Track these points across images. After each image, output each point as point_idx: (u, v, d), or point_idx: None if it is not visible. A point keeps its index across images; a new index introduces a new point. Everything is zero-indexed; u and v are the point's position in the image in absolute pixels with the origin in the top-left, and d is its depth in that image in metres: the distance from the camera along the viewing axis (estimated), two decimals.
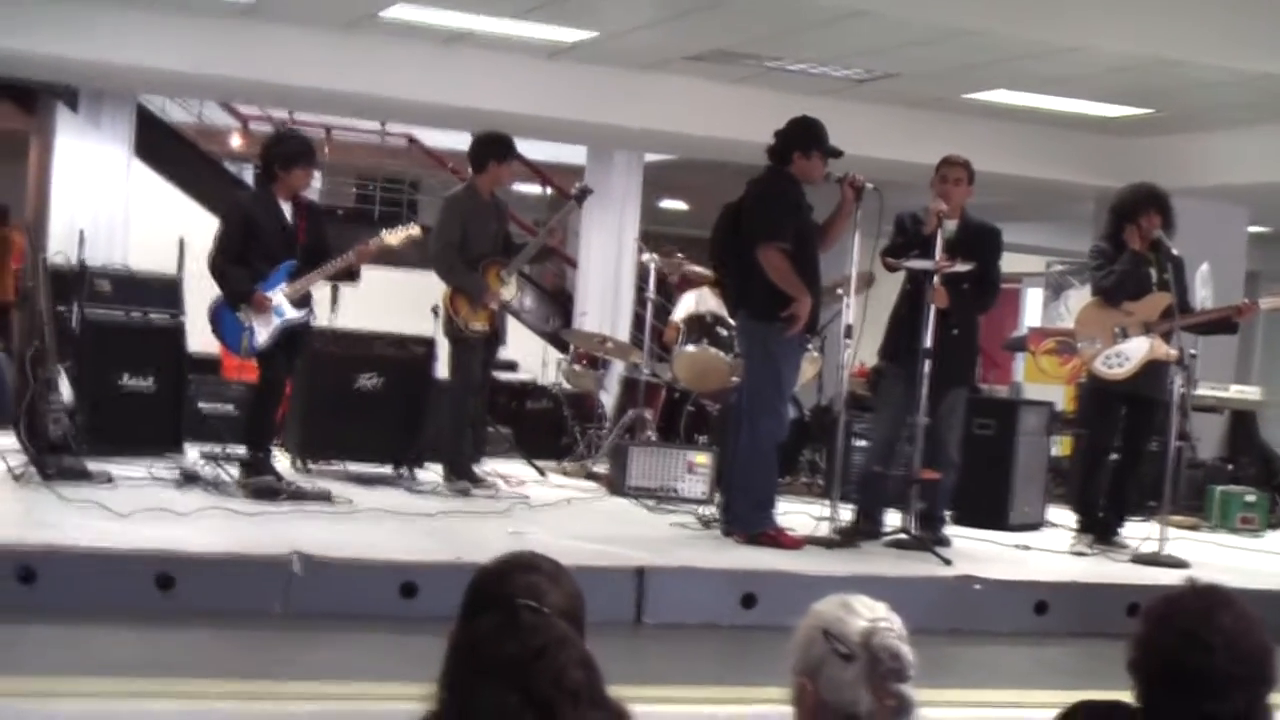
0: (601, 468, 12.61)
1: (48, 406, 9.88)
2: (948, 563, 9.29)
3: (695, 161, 19.76)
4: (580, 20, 13.25)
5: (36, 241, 10.96)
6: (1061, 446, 14.30)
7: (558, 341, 17.05)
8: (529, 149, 18.06)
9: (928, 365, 9.68)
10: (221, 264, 10.00)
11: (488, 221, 11.13)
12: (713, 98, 15.33)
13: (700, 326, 12.39)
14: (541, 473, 12.61)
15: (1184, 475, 13.15)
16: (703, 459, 11.68)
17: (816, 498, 11.32)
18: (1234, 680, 3.19)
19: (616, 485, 11.68)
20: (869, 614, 3.22)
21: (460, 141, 19.39)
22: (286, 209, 10.17)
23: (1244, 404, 15.18)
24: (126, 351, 11.53)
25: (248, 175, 20.24)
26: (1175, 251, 10.36)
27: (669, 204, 26.87)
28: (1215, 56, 12.72)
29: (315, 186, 19.29)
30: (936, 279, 9.77)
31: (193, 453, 11.13)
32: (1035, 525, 11.68)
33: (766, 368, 9.57)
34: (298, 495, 9.81)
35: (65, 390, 10.05)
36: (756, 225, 9.47)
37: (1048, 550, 10.56)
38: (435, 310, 11.15)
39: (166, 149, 19.30)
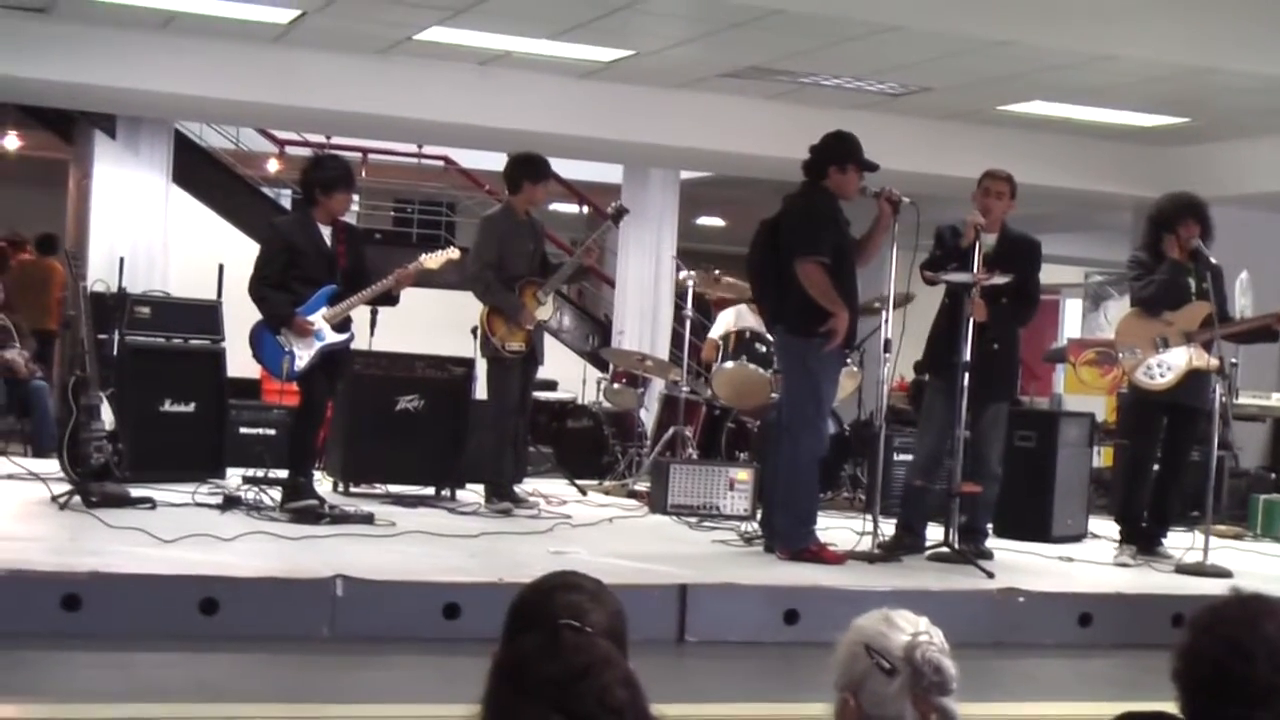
0: (643, 486, 12.61)
1: (90, 434, 9.93)
2: (990, 576, 9.26)
3: (731, 178, 19.77)
4: (615, 40, 13.27)
5: (77, 269, 10.99)
6: (1103, 458, 14.26)
7: (597, 360, 17.07)
8: (565, 168, 18.10)
9: (967, 379, 9.67)
10: (261, 288, 10.03)
11: (524, 241, 11.15)
12: (748, 114, 15.33)
13: (739, 343, 12.39)
14: (583, 491, 12.61)
15: (1227, 484, 13.12)
16: (744, 476, 11.67)
17: (858, 512, 11.28)
18: (1278, 689, 3.17)
19: (658, 503, 11.68)
20: (911, 628, 3.22)
21: (497, 162, 19.43)
22: (326, 233, 10.21)
23: None
24: (167, 377, 11.59)
25: (285, 200, 20.35)
26: (1214, 260, 10.32)
27: (706, 221, 26.89)
28: (1251, 63, 12.67)
29: (353, 209, 19.43)
30: (975, 292, 9.75)
31: (234, 477, 11.19)
32: (1078, 537, 11.64)
33: (806, 383, 9.56)
34: (340, 518, 9.83)
35: (107, 417, 10.10)
36: (794, 240, 9.46)
37: (1091, 562, 10.52)
38: (474, 331, 11.17)
39: (204, 175, 19.40)
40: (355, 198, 19.41)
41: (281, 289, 10.04)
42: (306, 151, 18.89)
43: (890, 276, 9.68)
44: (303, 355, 10.05)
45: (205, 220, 18.93)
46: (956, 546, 9.78)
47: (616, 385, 14.08)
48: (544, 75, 14.64)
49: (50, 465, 10.73)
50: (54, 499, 9.77)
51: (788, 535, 9.56)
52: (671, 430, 13.02)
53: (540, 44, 13.48)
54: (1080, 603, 9.11)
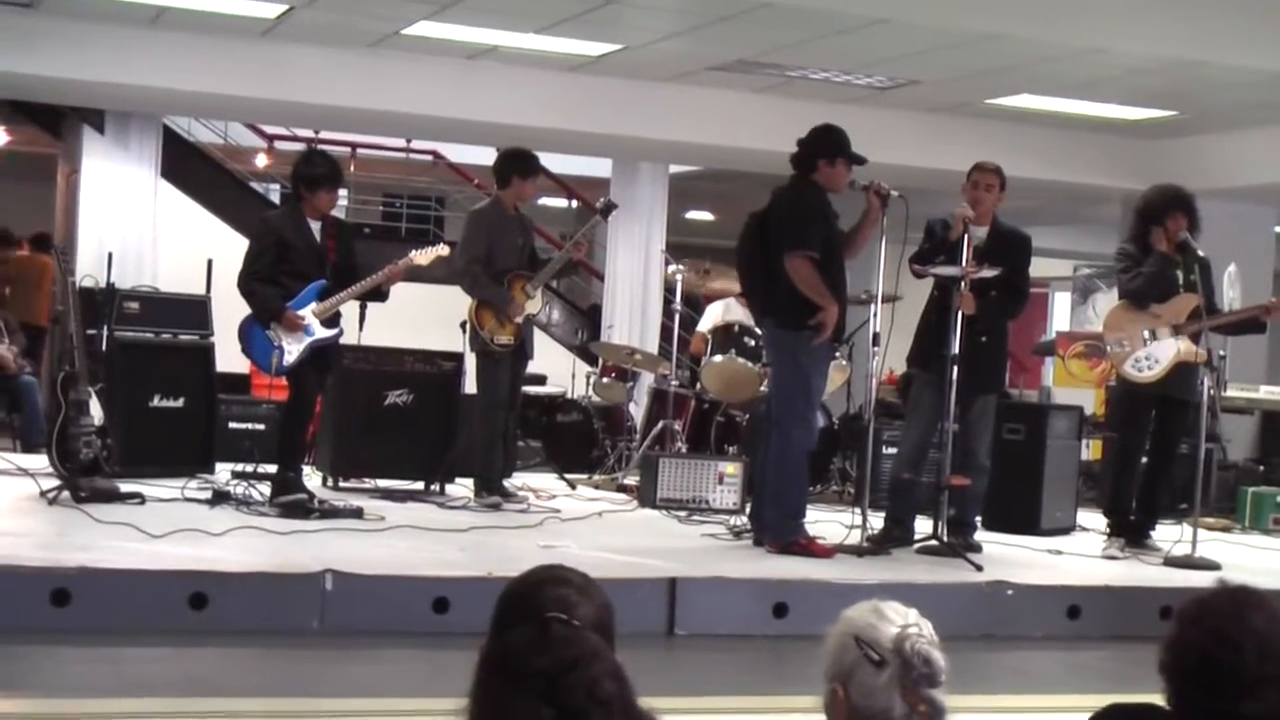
0: (632, 480, 12.61)
1: (79, 429, 9.92)
2: (979, 568, 9.29)
3: (720, 172, 19.78)
4: (603, 34, 13.27)
5: (66, 265, 10.99)
6: (1092, 450, 14.28)
7: (587, 354, 17.07)
8: (554, 162, 18.10)
9: (956, 371, 9.68)
10: (251, 283, 10.03)
11: (513, 236, 11.16)
12: (737, 108, 15.34)
13: (728, 337, 12.40)
14: (572, 485, 12.62)
15: (1215, 477, 13.14)
16: (733, 469, 11.68)
17: (847, 506, 11.30)
18: (1266, 681, 3.18)
19: (647, 497, 11.68)
20: (900, 620, 3.23)
21: (486, 156, 19.45)
22: (315, 227, 10.21)
23: (1275, 405, 15.13)
24: (156, 372, 11.59)
25: (274, 195, 20.33)
26: (1201, 253, 10.34)
27: (695, 215, 26.89)
28: (1239, 57, 12.69)
29: (342, 204, 19.43)
30: (964, 285, 9.77)
31: (224, 471, 11.18)
32: (1066, 530, 11.66)
33: (795, 377, 9.57)
34: (329, 512, 9.83)
35: (96, 412, 10.09)
36: (783, 234, 9.46)
37: (1079, 554, 10.54)
38: (463, 325, 11.18)
39: (193, 170, 19.36)
40: (344, 192, 19.42)
41: (271, 284, 10.05)
42: (295, 146, 18.86)
43: (879, 270, 9.69)
44: (292, 350, 10.06)
45: (194, 215, 18.89)
46: (945, 539, 9.80)
47: (606, 379, 14.07)
48: (532, 69, 14.64)
49: (39, 460, 10.72)
50: (43, 494, 9.76)
51: (777, 528, 9.57)
52: (661, 424, 13.03)
53: (528, 38, 13.48)
54: (1069, 595, 9.13)
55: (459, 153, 21.25)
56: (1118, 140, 16.53)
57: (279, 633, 7.54)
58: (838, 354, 11.59)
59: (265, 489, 10.20)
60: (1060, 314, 27.23)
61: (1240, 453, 15.23)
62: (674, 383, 13.18)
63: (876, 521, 10.09)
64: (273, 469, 10.35)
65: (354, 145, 20.40)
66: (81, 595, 7.34)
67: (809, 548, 9.42)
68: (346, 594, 7.72)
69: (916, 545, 9.97)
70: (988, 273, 9.78)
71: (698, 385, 13.07)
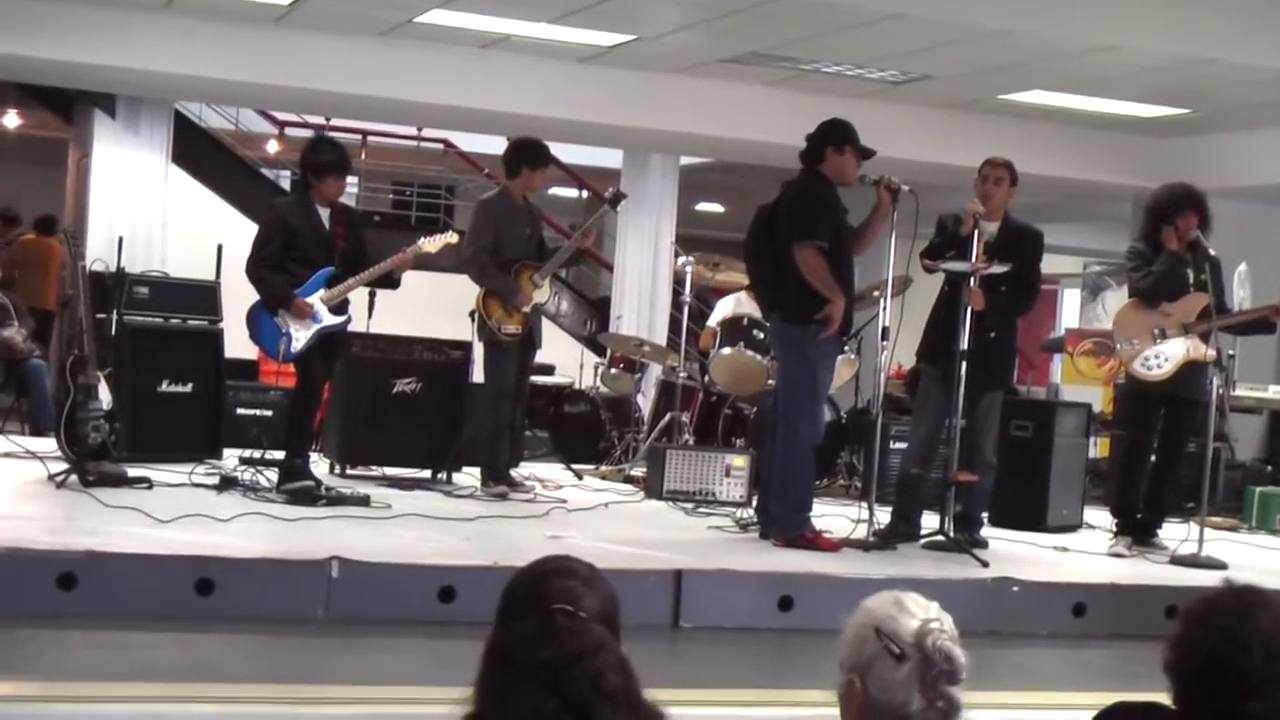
0: (639, 471, 12.61)
1: (87, 413, 9.93)
2: (985, 565, 9.27)
3: (731, 164, 19.78)
4: (616, 24, 13.27)
5: (76, 249, 10.99)
6: (1099, 448, 14.27)
7: (595, 345, 17.07)
8: (565, 153, 18.10)
9: (964, 367, 9.67)
10: (259, 269, 10.03)
11: (521, 225, 11.15)
12: (748, 100, 15.34)
13: (737, 329, 12.39)
14: (579, 476, 12.61)
15: (1223, 476, 13.11)
16: (740, 462, 11.68)
17: (854, 500, 11.30)
18: (1273, 680, 3.18)
19: (654, 488, 11.68)
20: (922, 613, 3.20)
21: (496, 146, 19.44)
22: (324, 215, 10.21)
23: None
24: (165, 357, 11.59)
25: (284, 181, 20.35)
26: (1212, 252, 10.31)
27: (705, 207, 26.89)
28: (1251, 55, 12.68)
29: (352, 192, 19.43)
30: (973, 280, 9.75)
31: (231, 457, 11.19)
32: (1073, 527, 11.65)
33: (802, 370, 9.56)
34: (336, 500, 9.83)
35: (104, 396, 10.10)
36: (793, 225, 9.45)
37: (1086, 552, 10.53)
38: (471, 315, 11.17)
39: (204, 155, 19.40)
40: (354, 180, 19.43)
41: (279, 270, 10.05)
42: (306, 133, 18.86)
43: (889, 264, 9.68)
44: (300, 337, 10.06)
45: (204, 201, 18.93)
46: (951, 535, 9.79)
47: (614, 370, 14.08)
48: (544, 59, 14.64)
49: (48, 444, 10.73)
50: (51, 478, 9.76)
51: (783, 522, 9.57)
52: (668, 416, 13.03)
53: (541, 28, 13.48)
54: (1075, 593, 9.12)
55: (470, 142, 21.28)
56: (1130, 138, 16.51)
57: (284, 619, 7.53)
58: (846, 348, 11.58)
59: (272, 475, 10.20)
60: (1069, 311, 27.18)
61: (1248, 452, 15.22)
62: (682, 375, 13.17)
63: (883, 516, 10.08)
64: (280, 455, 10.35)
65: (365, 133, 20.43)
66: (88, 579, 7.34)
67: (815, 542, 9.42)
68: (352, 582, 7.72)
69: (922, 540, 9.96)
70: (997, 269, 9.77)
71: (706, 378, 13.06)
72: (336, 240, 10.20)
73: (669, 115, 15.55)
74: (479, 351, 11.38)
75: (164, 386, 11.49)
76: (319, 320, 10.10)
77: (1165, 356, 10.28)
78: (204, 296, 12.04)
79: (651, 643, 7.29)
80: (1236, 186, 15.43)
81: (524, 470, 11.83)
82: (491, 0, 12.57)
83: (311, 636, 7.46)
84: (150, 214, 17.68)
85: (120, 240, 15.86)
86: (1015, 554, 10.10)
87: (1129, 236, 12.08)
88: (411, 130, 20.78)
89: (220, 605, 7.48)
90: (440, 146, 21.67)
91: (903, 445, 11.29)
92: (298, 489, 9.87)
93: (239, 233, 13.49)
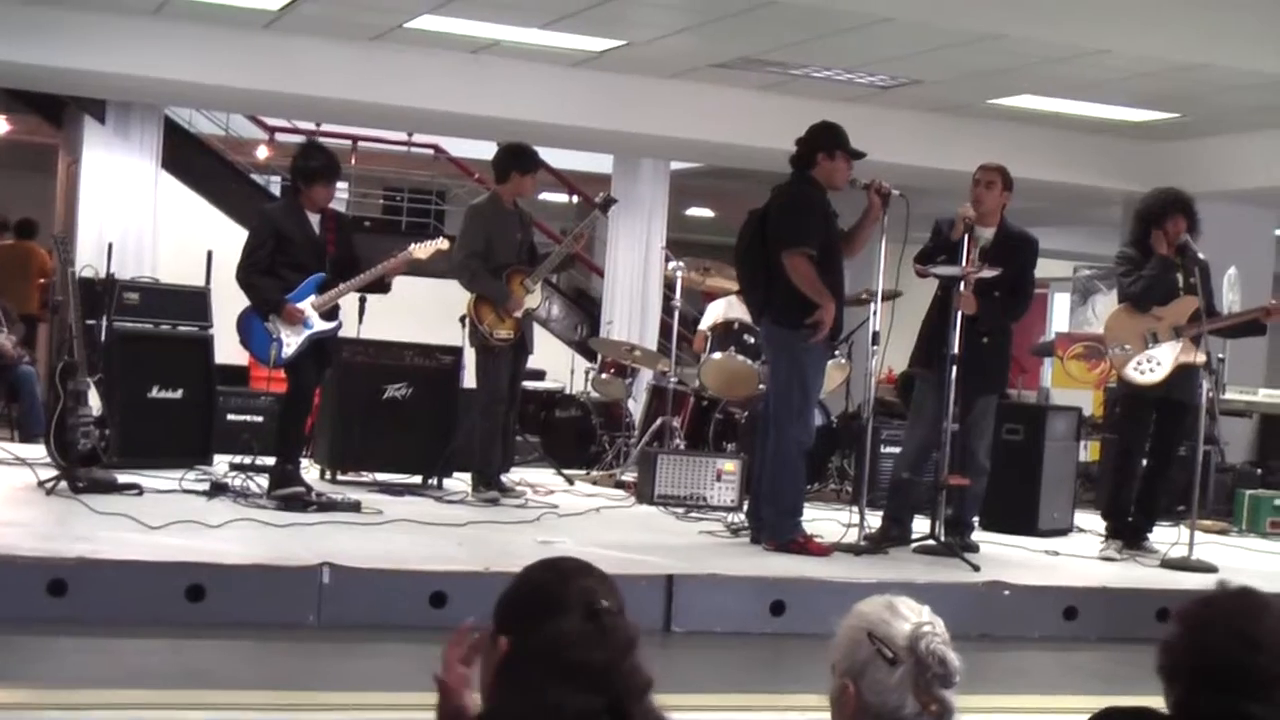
0: (630, 476, 12.61)
1: (77, 419, 9.92)
2: (976, 569, 9.29)
3: (721, 169, 19.78)
4: (606, 29, 13.28)
5: (66, 255, 10.98)
6: (1090, 452, 14.28)
7: (586, 350, 17.07)
8: (556, 158, 18.10)
9: (957, 371, 9.67)
10: (250, 275, 10.03)
11: (511, 231, 11.14)
12: (739, 105, 15.35)
13: (728, 334, 12.39)
14: (570, 481, 12.61)
15: (1213, 479, 13.14)
16: (730, 467, 11.67)
17: (845, 504, 11.30)
18: (1278, 681, 3.17)
19: (645, 493, 11.68)
20: (915, 617, 3.21)
21: (487, 151, 19.38)
22: (315, 220, 10.21)
23: (1273, 408, 15.15)
24: (155, 363, 11.58)
25: (275, 187, 20.33)
26: (1201, 255, 10.33)
27: (695, 212, 26.89)
28: (1241, 60, 12.69)
29: (343, 197, 19.42)
30: (964, 285, 9.76)
31: (222, 463, 11.18)
32: (1064, 531, 11.66)
33: (792, 375, 9.56)
34: (327, 506, 9.83)
35: (95, 402, 10.09)
36: (782, 231, 9.46)
37: (1076, 556, 10.54)
38: (462, 320, 11.17)
39: (194, 161, 19.37)
40: (344, 185, 19.42)
41: (270, 276, 10.05)
42: (296, 138, 18.83)
43: (879, 269, 9.69)
44: (291, 342, 10.06)
45: (194, 206, 18.90)
46: (942, 539, 9.80)
47: (605, 375, 14.08)
48: (535, 64, 14.64)
49: (37, 450, 10.72)
50: (41, 484, 9.76)
51: (774, 527, 9.57)
52: (659, 421, 13.03)
53: (531, 33, 13.48)
54: (1066, 596, 9.13)
55: (460, 147, 21.26)
56: (1119, 142, 16.53)
57: (276, 626, 7.54)
58: (837, 352, 11.58)
59: (263, 481, 10.19)
60: (1060, 315, 27.19)
61: (1238, 455, 15.23)
62: (673, 379, 13.17)
63: (874, 520, 10.09)
64: (271, 461, 10.34)
65: (355, 138, 20.42)
66: (79, 586, 7.34)
67: (806, 546, 9.43)
68: (344, 587, 7.72)
69: (914, 545, 9.97)
70: (988, 273, 9.77)
71: (697, 382, 13.05)
72: (327, 245, 10.20)
73: (659, 120, 15.55)
74: (470, 357, 11.37)
75: (154, 392, 11.48)
76: (310, 326, 10.10)
77: (1158, 360, 10.29)
78: (194, 302, 12.02)
79: (644, 647, 7.28)
80: (1225, 190, 15.45)
81: (515, 475, 11.82)
82: (482, 5, 12.56)
83: (303, 642, 7.47)
84: (140, 220, 17.66)
85: (110, 246, 15.83)
86: (1006, 558, 10.11)
87: (1119, 240, 12.09)
88: (402, 135, 20.77)
89: (211, 611, 7.48)
90: (431, 152, 21.65)
91: (894, 449, 11.32)
92: (289, 495, 9.86)
93: (229, 238, 13.48)
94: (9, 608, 7.21)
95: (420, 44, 14.14)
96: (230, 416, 12.45)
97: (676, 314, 13.69)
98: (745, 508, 10.64)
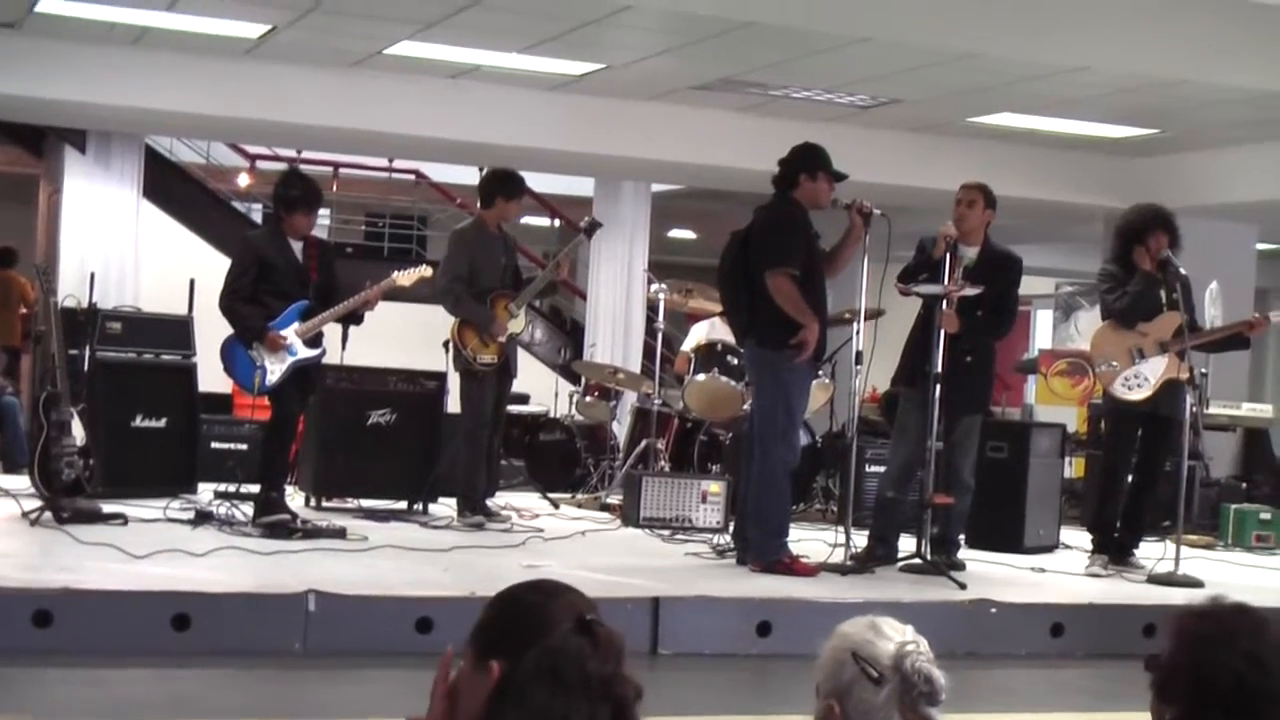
0: (615, 499, 12.61)
1: (61, 450, 9.90)
2: (963, 587, 9.29)
3: (703, 190, 19.80)
4: (586, 53, 13.29)
5: (48, 285, 10.97)
6: (1075, 468, 14.29)
7: (569, 373, 17.07)
8: (537, 181, 18.10)
9: (940, 390, 9.68)
10: (233, 302, 10.02)
11: (496, 255, 11.15)
12: (719, 127, 15.36)
13: (711, 355, 12.39)
14: (555, 505, 12.61)
15: (1198, 494, 13.16)
16: (716, 488, 11.67)
17: (830, 524, 11.30)
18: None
19: (630, 516, 11.67)
20: (898, 636, 3.20)
21: (468, 176, 19.45)
22: (298, 247, 10.21)
23: (1257, 422, 15.18)
24: (139, 392, 11.57)
25: (256, 214, 20.32)
26: (1183, 270, 10.35)
27: (677, 233, 26.91)
28: (1220, 75, 12.71)
29: (325, 224, 19.41)
30: (946, 304, 9.77)
31: (206, 492, 11.16)
32: (1050, 547, 11.66)
33: (777, 395, 9.57)
34: (312, 533, 9.82)
35: (78, 432, 10.07)
36: (765, 251, 9.47)
37: (1063, 572, 10.54)
38: (446, 345, 11.16)
39: (175, 189, 19.34)
40: (326, 212, 19.40)
41: (253, 303, 10.04)
42: (278, 165, 18.84)
43: (861, 288, 9.70)
44: (274, 370, 10.05)
45: (176, 235, 18.87)
46: (928, 558, 9.80)
47: (589, 398, 14.07)
48: (515, 89, 14.65)
49: (21, 481, 10.70)
50: (25, 515, 9.74)
51: (760, 547, 9.57)
52: (644, 443, 13.02)
53: (511, 57, 13.49)
54: (1052, 613, 9.13)
55: (442, 172, 21.26)
56: (1099, 158, 16.58)
57: (262, 653, 7.52)
58: (821, 372, 11.59)
59: (248, 509, 10.17)
60: (1042, 332, 27.24)
61: (1222, 470, 15.25)
62: (657, 401, 13.17)
63: (860, 540, 10.09)
64: (255, 489, 10.33)
65: (336, 165, 20.39)
66: (63, 616, 7.32)
67: (792, 566, 9.42)
68: (329, 614, 7.70)
69: (900, 564, 9.97)
70: (969, 291, 9.79)
71: (680, 404, 13.05)
72: (310, 272, 10.20)
73: (640, 143, 15.57)
74: (454, 381, 11.36)
75: (138, 421, 11.46)
76: (293, 353, 10.09)
77: (1145, 376, 10.31)
78: (177, 331, 12.03)
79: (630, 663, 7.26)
80: (1205, 205, 15.50)
81: (500, 500, 11.81)
82: (461, 31, 12.57)
83: (289, 670, 7.45)
84: (122, 249, 17.63)
85: (92, 276, 15.84)
86: (993, 575, 10.11)
87: (1100, 256, 12.11)
88: (383, 161, 20.77)
89: (197, 640, 7.46)
90: (412, 177, 21.65)
91: (878, 469, 11.33)
92: (273, 522, 9.85)
93: (211, 266, 13.47)
94: None
95: (400, 70, 14.14)
96: (214, 444, 12.43)
97: (659, 336, 13.69)
98: (731, 529, 10.64)
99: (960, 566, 10.03)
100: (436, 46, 13.20)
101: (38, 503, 9.85)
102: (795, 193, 9.59)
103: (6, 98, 14.03)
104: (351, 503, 11.55)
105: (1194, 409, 10.63)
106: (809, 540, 10.36)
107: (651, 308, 14.77)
